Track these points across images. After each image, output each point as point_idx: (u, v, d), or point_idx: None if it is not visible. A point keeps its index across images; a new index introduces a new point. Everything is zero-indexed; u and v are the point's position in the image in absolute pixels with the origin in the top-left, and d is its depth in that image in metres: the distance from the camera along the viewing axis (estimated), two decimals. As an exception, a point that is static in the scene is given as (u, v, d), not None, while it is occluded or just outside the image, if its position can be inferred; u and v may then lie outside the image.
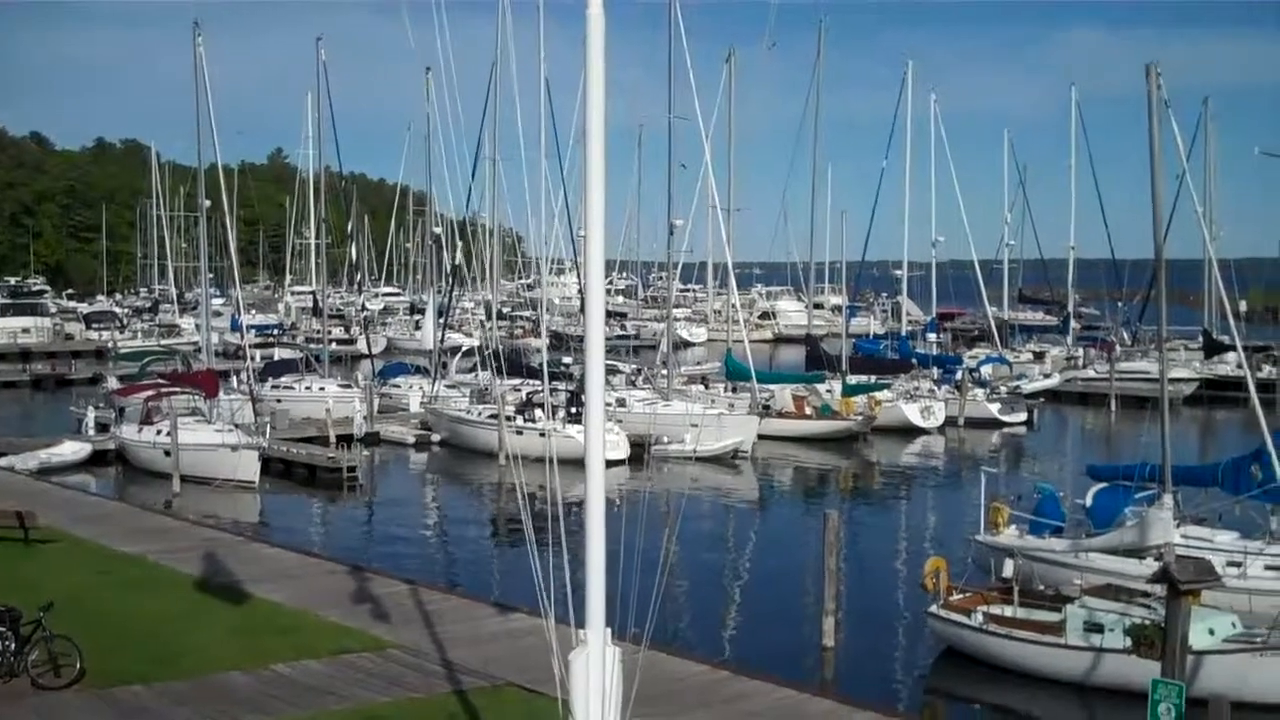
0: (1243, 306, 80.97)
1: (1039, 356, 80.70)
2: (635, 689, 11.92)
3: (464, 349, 67.58)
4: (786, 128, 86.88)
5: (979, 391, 63.11)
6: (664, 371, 59.59)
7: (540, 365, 52.51)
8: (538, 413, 47.43)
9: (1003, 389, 65.42)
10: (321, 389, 58.35)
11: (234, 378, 58.35)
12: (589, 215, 11.12)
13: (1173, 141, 30.11)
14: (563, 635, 11.87)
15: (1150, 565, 22.70)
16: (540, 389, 49.98)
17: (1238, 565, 25.79)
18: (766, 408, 55.16)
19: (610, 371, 59.39)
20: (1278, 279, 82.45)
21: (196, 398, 47.03)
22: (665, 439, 49.48)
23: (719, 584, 32.00)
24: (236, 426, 44.87)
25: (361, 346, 78.75)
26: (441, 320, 64.94)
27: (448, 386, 58.67)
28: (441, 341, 62.05)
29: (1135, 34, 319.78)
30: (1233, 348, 54.25)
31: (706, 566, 33.57)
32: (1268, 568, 26.00)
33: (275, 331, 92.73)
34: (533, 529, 12.86)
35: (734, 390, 58.72)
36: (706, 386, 61.64)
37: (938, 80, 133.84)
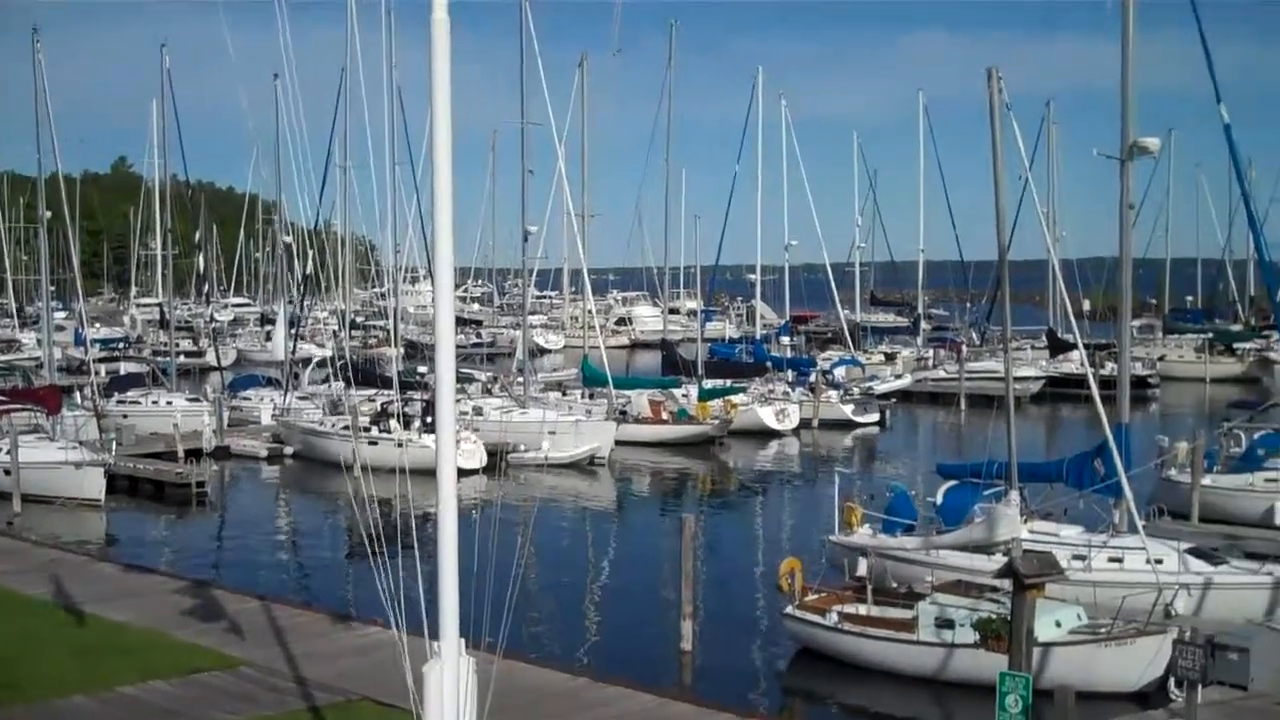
0: (1086, 306, 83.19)
1: (890, 358, 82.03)
2: (490, 699, 11.82)
3: (316, 360, 66.59)
4: (641, 132, 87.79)
5: (833, 393, 63.91)
6: (520, 379, 59.35)
7: (395, 375, 51.96)
8: (392, 423, 46.90)
9: (856, 390, 66.33)
10: (169, 403, 57.03)
11: (78, 393, 56.71)
12: (437, 222, 10.99)
13: (1015, 144, 30.72)
14: (416, 647, 11.71)
15: (999, 560, 23.11)
16: (397, 399, 49.47)
17: (1082, 559, 26.40)
18: (623, 413, 55.24)
19: (466, 380, 59.04)
20: (1119, 278, 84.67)
21: (38, 414, 45.65)
22: (522, 447, 49.28)
23: (577, 591, 31.91)
24: (80, 443, 43.67)
25: (210, 359, 77.23)
26: (293, 331, 63.91)
27: (300, 398, 57.71)
28: (293, 353, 61.01)
29: (978, 38, 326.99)
30: (1076, 346, 55.54)
31: (564, 574, 33.46)
32: (1111, 560, 26.66)
33: (121, 345, 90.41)
34: (383, 541, 12.67)
35: (591, 396, 58.67)
36: (563, 393, 61.55)
37: (788, 85, 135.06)
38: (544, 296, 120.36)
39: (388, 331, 53.16)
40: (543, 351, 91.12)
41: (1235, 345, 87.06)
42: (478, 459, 45.75)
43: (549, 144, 57.32)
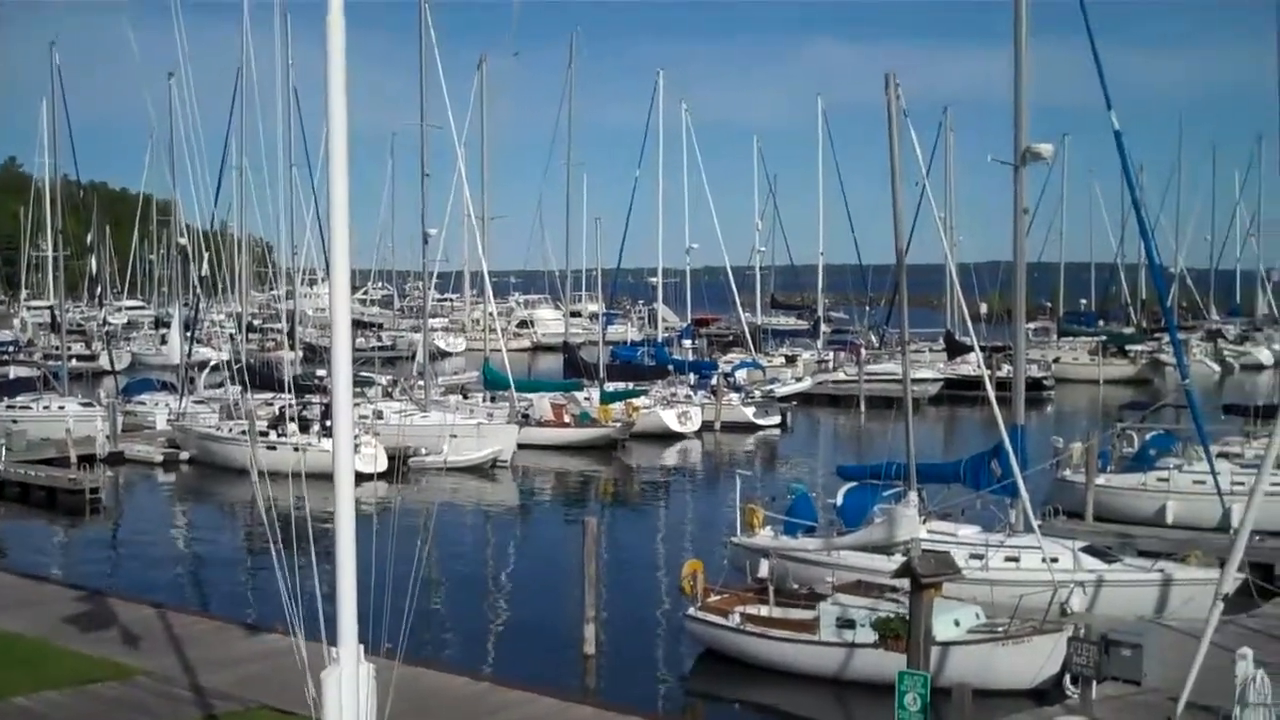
0: (983, 309, 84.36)
1: (791, 360, 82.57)
2: (390, 705, 11.72)
3: (212, 363, 65.60)
4: (543, 135, 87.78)
5: (734, 396, 64.24)
6: (421, 382, 58.96)
7: (294, 378, 51.41)
8: (291, 427, 46.37)
9: (757, 393, 66.74)
10: (61, 408, 55.82)
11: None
12: (333, 224, 10.86)
13: (913, 150, 31.08)
14: (315, 654, 11.58)
15: (899, 561, 23.35)
16: (294, 403, 48.91)
17: (980, 558, 26.75)
18: (525, 416, 55.08)
19: (366, 383, 58.56)
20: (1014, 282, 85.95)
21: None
22: (423, 450, 48.94)
23: (479, 596, 31.76)
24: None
25: (104, 362, 75.89)
26: (188, 334, 62.99)
27: (196, 402, 56.88)
28: (189, 356, 60.12)
29: (877, 45, 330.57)
30: (973, 349, 56.28)
31: (466, 578, 33.33)
32: (1008, 559, 27.03)
33: (10, 349, 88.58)
34: (282, 547, 12.52)
35: (492, 400, 58.45)
36: (465, 396, 61.24)
37: (690, 90, 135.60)
38: (445, 299, 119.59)
39: (285, 334, 52.47)
40: (444, 354, 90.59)
41: (1128, 348, 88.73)
42: (378, 463, 45.38)
43: (449, 146, 57.07)
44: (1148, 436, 40.76)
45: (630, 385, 62.01)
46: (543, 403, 57.81)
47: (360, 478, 40.99)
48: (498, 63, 66.11)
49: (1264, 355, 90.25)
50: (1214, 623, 16.87)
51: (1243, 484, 31.15)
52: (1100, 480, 37.00)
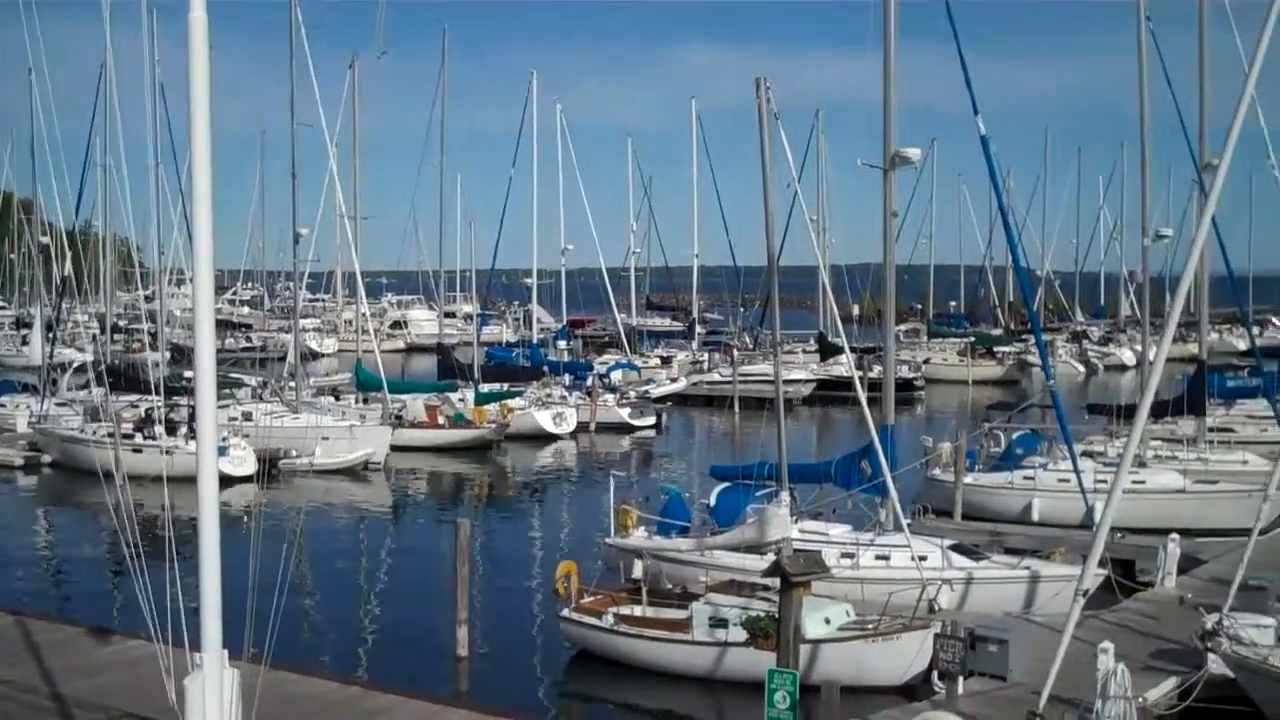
0: (855, 310, 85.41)
1: (666, 361, 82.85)
2: (255, 711, 11.52)
3: (75, 364, 64.12)
4: (416, 135, 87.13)
5: (610, 397, 64.31)
6: (292, 384, 58.17)
7: (159, 380, 50.38)
8: (158, 429, 45.45)
9: (632, 394, 66.90)
10: (-82, 410, 54.33)
11: None
12: (195, 224, 10.68)
13: (784, 153, 31.34)
14: (179, 660, 11.35)
15: (771, 560, 23.51)
16: (160, 405, 47.96)
17: (851, 556, 27.06)
18: (399, 418, 54.58)
19: (235, 384, 57.64)
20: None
21: None
22: (294, 453, 48.29)
23: (351, 599, 31.36)
24: None
25: (-38, 364, 73.76)
26: (50, 335, 61.49)
27: (58, 404, 55.45)
28: (51, 357, 58.65)
29: (750, 49, 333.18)
30: (845, 349, 56.76)
31: (338, 582, 32.93)
32: (878, 558, 27.38)
33: None
34: (145, 551, 12.27)
35: (365, 401, 57.87)
36: (337, 398, 60.54)
37: (564, 91, 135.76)
38: (316, 300, 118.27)
39: (152, 335, 51.41)
40: (315, 355, 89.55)
41: (995, 349, 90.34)
42: (247, 466, 44.68)
43: (321, 145, 56.38)
44: (1014, 436, 41.57)
45: (505, 386, 61.74)
46: (416, 404, 57.37)
47: (229, 480, 40.74)
48: (370, 62, 65.45)
49: (1127, 356, 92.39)
50: (1075, 618, 17.22)
51: (1105, 482, 31.86)
52: (968, 479, 37.63)
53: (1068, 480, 34.23)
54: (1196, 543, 30.85)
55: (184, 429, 45.39)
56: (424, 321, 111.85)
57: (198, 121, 10.38)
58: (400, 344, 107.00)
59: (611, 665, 24.83)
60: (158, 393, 48.37)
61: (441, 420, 57.04)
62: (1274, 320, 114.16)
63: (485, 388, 60.36)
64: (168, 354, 59.21)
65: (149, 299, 56.06)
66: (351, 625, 28.85)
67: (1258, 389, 46.32)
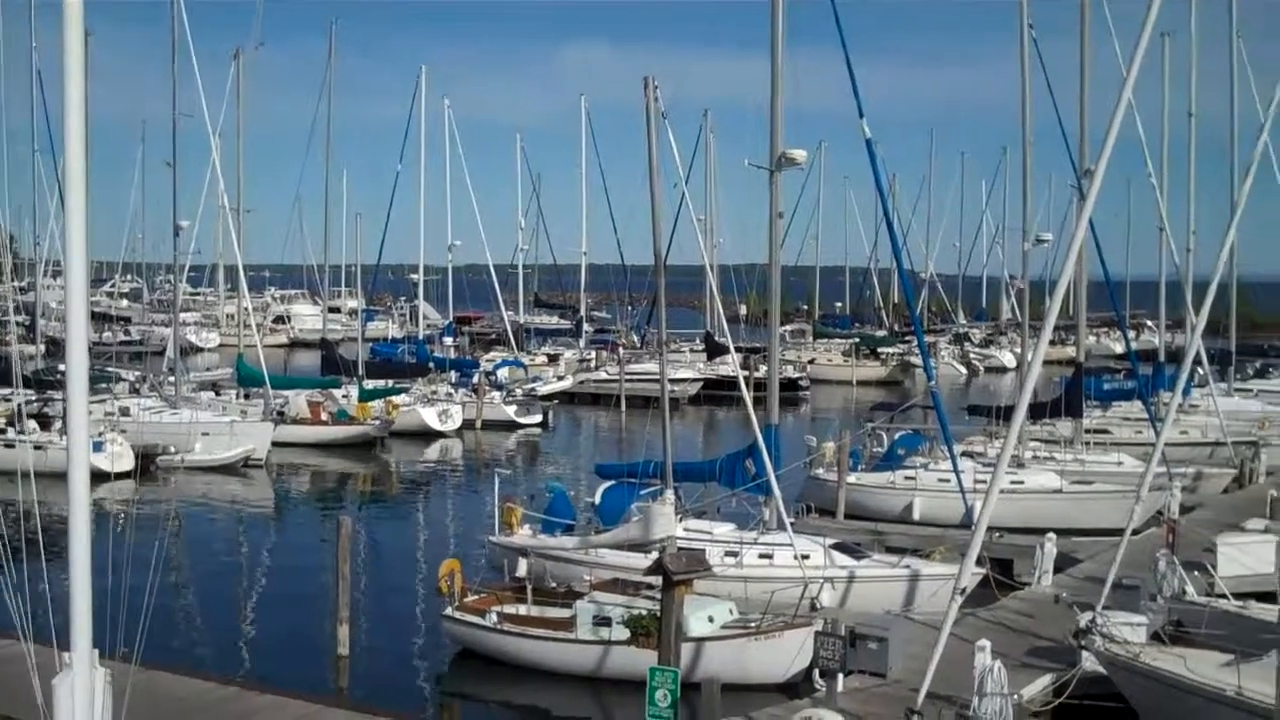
0: (742, 310, 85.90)
1: (553, 359, 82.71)
2: (125, 711, 11.27)
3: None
4: (301, 128, 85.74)
5: (496, 394, 64.03)
6: (171, 378, 57.15)
7: (35, 373, 49.25)
8: (30, 424, 44.37)
9: (519, 391, 66.66)
10: None
11: None
12: (68, 215, 10.39)
13: (671, 152, 31.44)
14: (48, 659, 11.07)
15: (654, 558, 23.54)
16: (35, 399, 46.89)
17: (734, 555, 27.20)
18: (281, 414, 53.83)
19: (114, 379, 56.52)
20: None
21: None
22: (172, 449, 47.44)
23: (230, 598, 30.91)
24: None
25: None
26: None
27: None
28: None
29: (640, 48, 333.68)
30: (730, 349, 57.01)
31: (217, 580, 32.41)
32: (761, 556, 27.55)
33: None
34: (12, 548, 11.97)
35: (246, 396, 56.99)
36: (218, 393, 59.58)
37: (453, 87, 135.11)
38: (198, 293, 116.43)
39: (27, 327, 50.22)
40: (196, 350, 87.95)
41: (879, 350, 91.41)
42: (124, 462, 43.81)
43: (204, 137, 55.42)
44: (896, 436, 42.04)
45: (390, 383, 61.21)
46: (299, 400, 56.66)
47: (104, 476, 39.88)
48: (257, 54, 64.43)
49: (1007, 358, 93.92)
50: (952, 616, 17.45)
51: (985, 482, 32.35)
52: (851, 478, 37.97)
53: (948, 480, 34.73)
54: (1073, 542, 31.43)
55: (58, 424, 44.38)
56: (308, 316, 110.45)
57: (72, 110, 10.12)
58: (283, 339, 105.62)
59: (495, 664, 24.72)
60: (28, 386, 47.26)
61: (325, 416, 56.37)
62: (1150, 324, 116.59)
63: (370, 384, 59.77)
64: (43, 347, 57.94)
65: (24, 290, 54.77)
66: (231, 624, 28.43)
67: (1133, 391, 47.35)
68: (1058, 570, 28.61)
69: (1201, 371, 50.95)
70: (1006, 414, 41.60)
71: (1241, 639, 19.18)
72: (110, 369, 59.20)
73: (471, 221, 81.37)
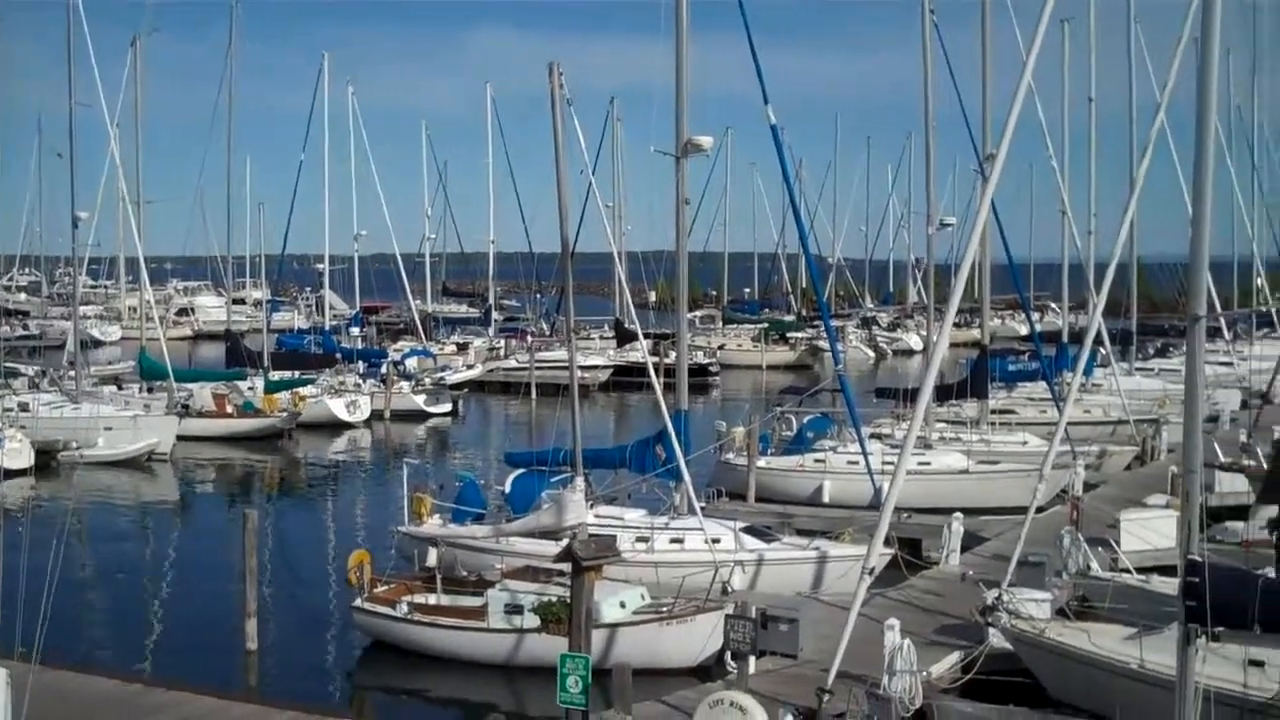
0: (651, 297, 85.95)
1: (463, 348, 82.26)
2: (26, 711, 11.07)
3: None
4: (203, 117, 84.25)
5: (404, 384, 63.60)
6: (72, 373, 56.17)
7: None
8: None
9: (428, 381, 66.24)
10: None
11: None
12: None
13: (577, 139, 31.34)
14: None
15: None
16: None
17: (646, 540, 27.23)
18: (185, 407, 53.06)
19: (12, 374, 55.50)
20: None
21: None
22: (74, 444, 46.63)
23: (135, 594, 30.44)
24: None
25: None
26: None
27: None
28: None
29: (544, 34, 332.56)
30: (639, 335, 57.04)
31: (121, 577, 31.94)
32: (672, 541, 27.60)
33: None
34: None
35: (150, 390, 56.16)
36: (120, 387, 58.64)
37: (356, 74, 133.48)
38: (98, 286, 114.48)
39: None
40: (97, 344, 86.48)
41: (788, 334, 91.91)
42: (23, 458, 43.01)
43: (102, 126, 54.44)
44: (805, 420, 42.32)
45: (297, 374, 60.50)
46: (204, 393, 55.87)
47: (4, 474, 39.09)
48: (156, 42, 63.49)
49: (914, 341, 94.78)
50: (861, 597, 17.59)
51: (893, 463, 32.68)
52: (761, 462, 38.16)
53: (857, 462, 34.99)
54: (980, 521, 31.86)
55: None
56: (212, 308, 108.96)
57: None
58: (187, 331, 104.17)
59: (406, 655, 24.60)
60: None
61: (230, 409, 55.69)
62: (1053, 306, 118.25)
63: (276, 375, 59.10)
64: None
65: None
66: (135, 622, 28.02)
67: (1037, 372, 48.01)
68: (965, 549, 28.95)
69: (1103, 351, 51.82)
70: (913, 396, 41.97)
71: (1144, 613, 19.52)
72: (9, 364, 58.06)
73: (377, 210, 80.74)
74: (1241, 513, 27.47)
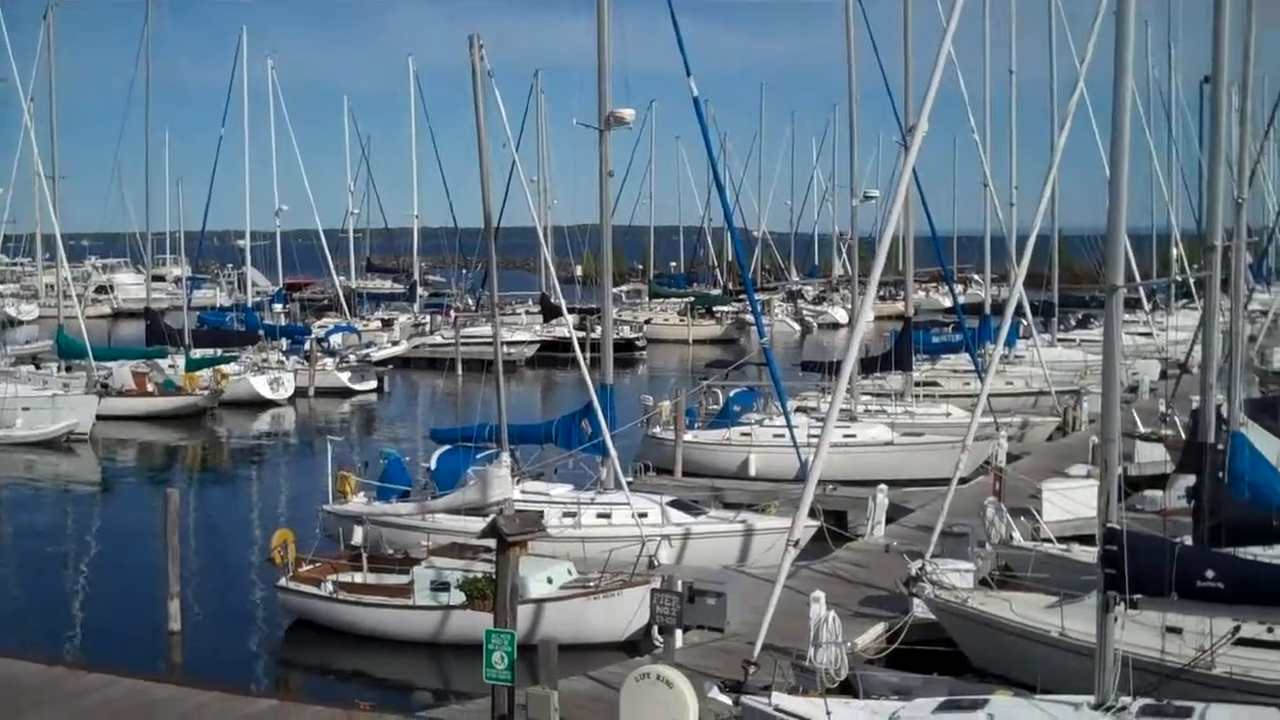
0: (578, 271, 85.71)
1: (387, 324, 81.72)
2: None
3: None
4: (120, 90, 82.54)
5: (329, 361, 63.11)
6: (-12, 353, 55.28)
7: None
8: None
9: (352, 357, 65.81)
10: None
11: None
12: None
13: (499, 112, 31.15)
14: None
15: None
16: None
17: (572, 516, 27.22)
18: (105, 386, 52.31)
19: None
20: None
21: None
22: (-9, 426, 45.97)
23: (56, 577, 30.04)
24: None
25: None
26: None
27: None
28: None
29: (466, 6, 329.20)
30: (564, 310, 56.91)
31: (41, 559, 31.53)
32: (599, 516, 27.61)
33: None
34: None
35: (68, 369, 55.32)
36: (38, 366, 57.72)
37: (276, 48, 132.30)
38: (14, 264, 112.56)
39: None
40: (13, 323, 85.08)
41: (715, 309, 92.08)
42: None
43: (13, 100, 53.44)
44: (732, 394, 42.48)
45: (218, 351, 59.90)
46: (124, 371, 55.13)
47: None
48: (69, 14, 62.34)
49: (840, 314, 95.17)
50: (786, 569, 17.62)
51: (818, 436, 32.85)
52: (688, 436, 38.28)
53: (783, 435, 35.12)
54: (904, 492, 32.14)
55: None
56: (131, 285, 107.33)
57: None
58: (106, 309, 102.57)
59: (331, 634, 24.47)
60: None
61: (151, 388, 55.01)
62: (976, 278, 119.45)
63: (197, 353, 58.48)
64: None
65: None
66: (57, 604, 27.68)
67: (960, 344, 48.45)
68: (890, 520, 29.19)
69: (1025, 323, 52.33)
70: (839, 369, 42.27)
71: (1065, 581, 19.78)
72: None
73: (299, 186, 79.76)
74: (1160, 482, 27.96)
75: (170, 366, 56.72)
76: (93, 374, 51.55)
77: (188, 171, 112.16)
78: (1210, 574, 14.67)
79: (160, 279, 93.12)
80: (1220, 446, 20.36)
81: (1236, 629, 16.70)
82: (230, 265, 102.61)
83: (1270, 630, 16.90)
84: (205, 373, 55.89)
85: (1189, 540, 17.94)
